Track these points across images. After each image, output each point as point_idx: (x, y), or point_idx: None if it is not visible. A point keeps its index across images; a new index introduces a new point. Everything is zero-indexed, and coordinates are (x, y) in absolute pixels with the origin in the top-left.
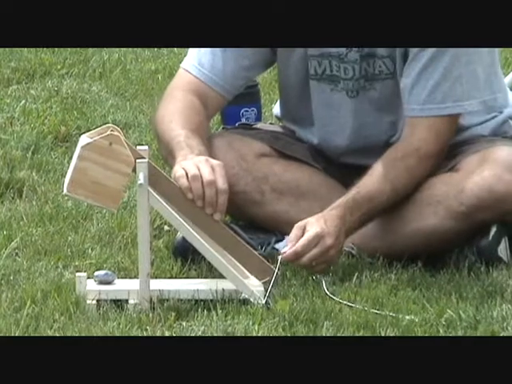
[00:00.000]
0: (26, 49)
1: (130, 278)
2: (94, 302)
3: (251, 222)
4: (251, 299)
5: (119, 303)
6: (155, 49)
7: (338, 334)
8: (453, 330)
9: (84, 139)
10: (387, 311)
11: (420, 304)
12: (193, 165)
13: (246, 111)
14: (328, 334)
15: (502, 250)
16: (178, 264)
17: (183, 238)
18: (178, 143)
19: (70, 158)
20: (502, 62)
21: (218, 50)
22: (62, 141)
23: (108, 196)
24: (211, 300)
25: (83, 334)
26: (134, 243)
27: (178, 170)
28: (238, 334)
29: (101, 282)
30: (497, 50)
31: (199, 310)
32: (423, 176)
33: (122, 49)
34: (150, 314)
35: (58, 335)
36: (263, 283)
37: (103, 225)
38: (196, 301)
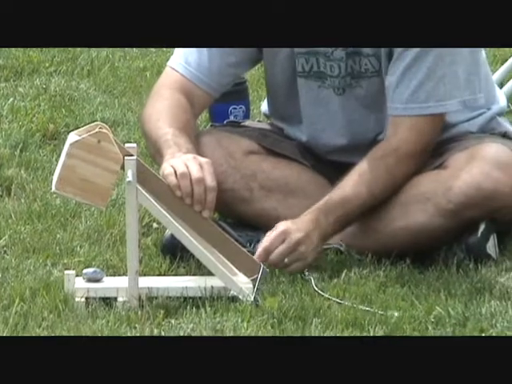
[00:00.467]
0: None
1: (119, 275)
2: (83, 299)
3: (240, 220)
4: (240, 296)
5: (108, 301)
6: None
7: (327, 331)
8: (442, 326)
9: (72, 137)
10: (376, 308)
11: (409, 301)
12: (181, 162)
13: (234, 108)
14: (317, 331)
15: (491, 246)
16: (167, 261)
17: (172, 236)
18: (165, 141)
19: (59, 155)
20: (491, 59)
21: (204, 48)
22: (50, 138)
23: (96, 193)
24: (200, 297)
25: (72, 332)
26: (122, 241)
27: (166, 168)
28: (227, 332)
29: (89, 280)
30: (479, 49)
31: (188, 307)
32: (404, 176)
33: None
34: (139, 312)
35: (46, 333)
36: (252, 280)
37: (92, 222)
38: (185, 298)
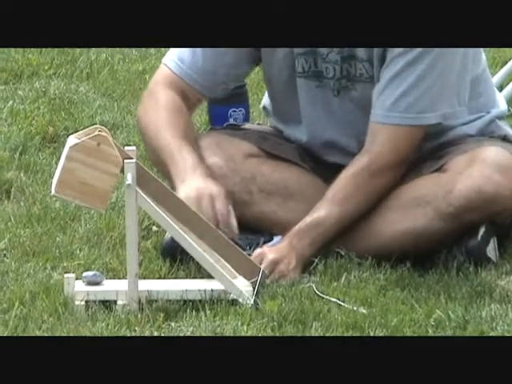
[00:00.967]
0: (13, 49)
1: (119, 278)
2: (83, 302)
3: (239, 223)
4: (240, 299)
5: (108, 304)
6: (143, 49)
7: (327, 335)
8: (442, 330)
9: (72, 140)
10: (376, 311)
11: (409, 304)
12: (194, 200)
13: (234, 111)
14: (317, 335)
15: (491, 250)
16: (167, 264)
17: (171, 239)
18: (170, 155)
19: (58, 158)
20: (490, 61)
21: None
22: (49, 141)
23: (96, 196)
24: (200, 300)
25: (72, 335)
26: (122, 244)
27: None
28: (227, 335)
29: (89, 283)
30: (470, 60)
31: (188, 310)
32: (383, 187)
33: (110, 49)
34: (139, 315)
35: (46, 336)
36: (252, 283)
37: (91, 225)
38: (185, 301)
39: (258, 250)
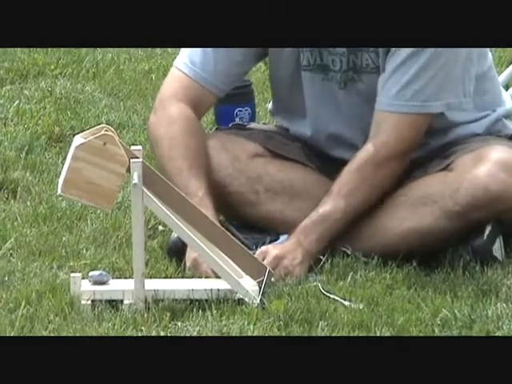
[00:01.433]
0: (19, 49)
1: (125, 278)
2: (89, 302)
3: (246, 222)
4: (246, 299)
5: (114, 303)
6: (149, 48)
7: (333, 334)
8: (448, 329)
9: (78, 139)
10: (382, 310)
11: (415, 303)
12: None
13: (240, 111)
14: (323, 334)
15: (497, 249)
16: (173, 264)
17: (178, 238)
18: (176, 180)
19: (64, 158)
20: (496, 60)
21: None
22: (55, 141)
23: (102, 196)
24: (206, 300)
25: (78, 335)
26: (128, 243)
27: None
28: (233, 334)
29: (95, 283)
30: (475, 54)
31: (194, 310)
32: (390, 178)
33: (116, 49)
34: (145, 315)
35: (52, 335)
36: (258, 283)
37: (97, 225)
38: (191, 301)
39: (262, 248)
